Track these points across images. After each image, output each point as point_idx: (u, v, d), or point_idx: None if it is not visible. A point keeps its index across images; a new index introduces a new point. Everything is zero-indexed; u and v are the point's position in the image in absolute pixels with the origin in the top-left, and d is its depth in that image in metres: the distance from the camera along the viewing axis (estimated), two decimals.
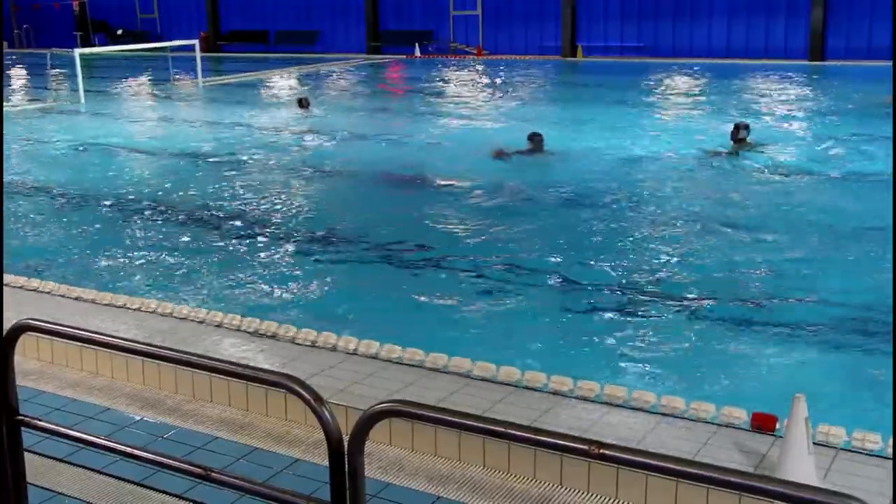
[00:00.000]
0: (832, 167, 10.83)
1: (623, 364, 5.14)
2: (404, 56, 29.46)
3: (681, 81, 21.19)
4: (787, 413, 3.19)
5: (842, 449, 3.41)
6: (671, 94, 18.87)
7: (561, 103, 18.48)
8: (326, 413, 2.30)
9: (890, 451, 3.39)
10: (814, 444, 3.17)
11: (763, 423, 3.50)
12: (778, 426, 3.42)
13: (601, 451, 2.02)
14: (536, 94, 19.88)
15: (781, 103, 17.17)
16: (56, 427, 2.91)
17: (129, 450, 2.76)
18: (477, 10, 29.63)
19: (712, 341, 5.48)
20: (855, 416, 4.03)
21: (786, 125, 14.40)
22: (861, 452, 3.40)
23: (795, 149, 12.14)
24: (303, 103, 16.06)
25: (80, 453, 3.70)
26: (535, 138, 11.33)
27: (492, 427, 2.23)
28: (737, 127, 11.47)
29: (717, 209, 8.80)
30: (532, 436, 2.21)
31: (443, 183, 10.20)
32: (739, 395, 4.32)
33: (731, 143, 11.35)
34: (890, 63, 22.07)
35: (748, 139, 11.44)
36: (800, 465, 3.01)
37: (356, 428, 2.27)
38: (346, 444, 2.28)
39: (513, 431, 2.22)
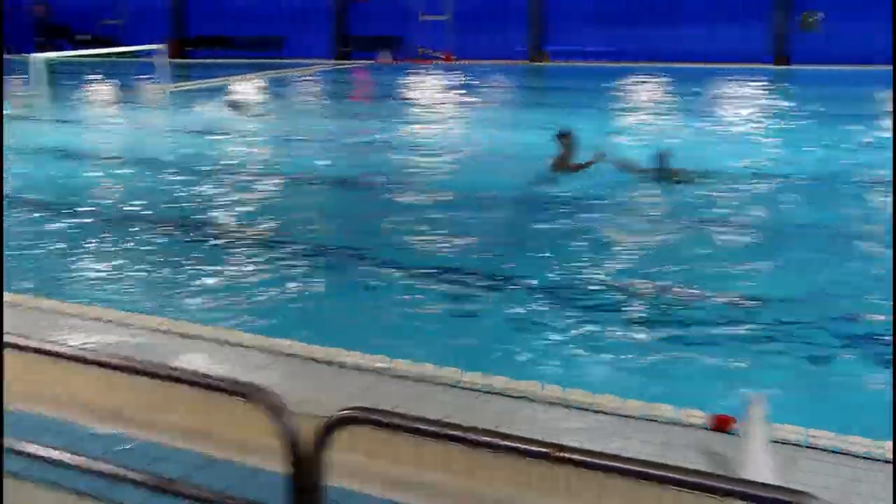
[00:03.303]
0: (787, 170, 11.02)
1: (583, 367, 5.16)
2: (372, 61, 29.50)
3: (647, 86, 21.42)
4: (745, 413, 3.23)
5: (799, 447, 3.45)
6: (635, 99, 19.08)
7: (522, 108, 18.67)
8: (287, 421, 2.29)
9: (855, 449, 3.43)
10: (771, 442, 3.20)
11: (721, 424, 3.53)
12: (735, 426, 3.45)
13: (562, 454, 2.03)
14: (500, 99, 20.05)
15: (742, 107, 17.42)
16: (8, 442, 2.85)
17: (86, 462, 2.72)
18: (446, 16, 29.74)
19: (669, 343, 5.52)
20: (811, 416, 4.09)
21: (743, 128, 14.62)
22: (818, 450, 3.44)
23: (746, 149, 12.32)
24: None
25: (35, 467, 3.64)
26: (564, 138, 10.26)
27: (452, 432, 2.23)
28: (660, 156, 10.26)
29: (675, 207, 8.93)
30: (493, 440, 2.21)
31: (405, 188, 10.22)
32: (697, 397, 4.35)
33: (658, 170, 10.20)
34: (852, 67, 22.53)
35: (674, 166, 10.22)
36: (757, 463, 3.05)
37: (317, 436, 2.26)
38: (307, 452, 2.27)
39: (473, 436, 2.22)
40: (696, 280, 6.67)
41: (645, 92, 20.58)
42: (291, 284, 6.64)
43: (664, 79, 22.27)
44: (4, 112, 17.76)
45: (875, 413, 4.41)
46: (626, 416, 3.80)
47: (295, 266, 7.20)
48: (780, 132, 14.52)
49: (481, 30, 28.98)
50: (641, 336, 5.59)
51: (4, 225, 8.66)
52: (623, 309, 6.10)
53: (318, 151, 13.01)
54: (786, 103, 18.26)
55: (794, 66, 24.30)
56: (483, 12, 28.99)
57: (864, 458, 3.40)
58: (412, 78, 24.42)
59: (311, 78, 25.23)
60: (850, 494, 3.14)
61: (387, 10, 30.42)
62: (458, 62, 28.28)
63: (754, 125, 15.12)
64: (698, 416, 3.70)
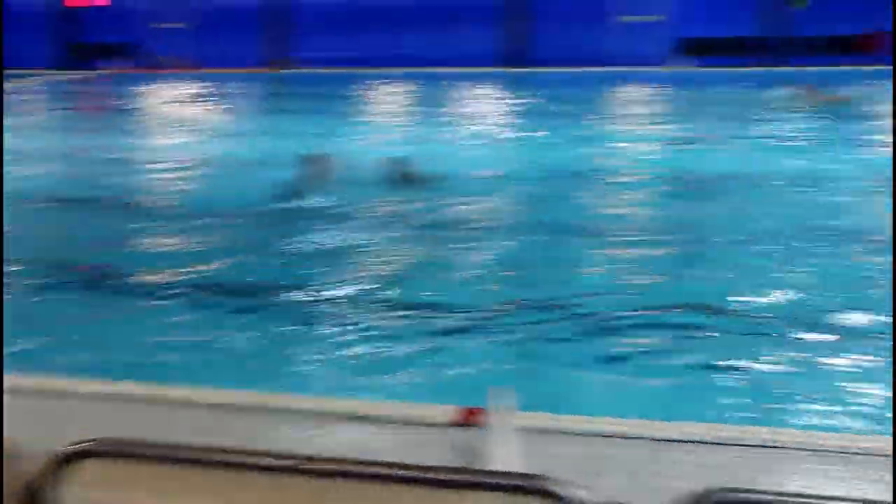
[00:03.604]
0: (530, 170, 11.67)
1: (339, 376, 5.19)
2: (104, 70, 28.03)
3: (389, 92, 21.84)
4: (491, 405, 3.36)
5: (543, 432, 3.63)
6: (376, 105, 19.43)
7: (261, 116, 18.55)
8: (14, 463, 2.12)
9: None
10: (517, 430, 3.34)
11: (468, 417, 3.65)
12: (484, 418, 3.57)
13: (310, 465, 2.01)
14: (238, 108, 19.78)
15: (481, 109, 18.20)
16: None
17: None
18: (183, 23, 28.80)
19: (410, 339, 5.67)
20: (559, 401, 4.36)
21: (480, 130, 15.30)
22: (564, 434, 3.65)
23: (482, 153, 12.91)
24: None
25: None
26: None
27: (196, 456, 2.16)
28: (397, 161, 10.54)
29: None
30: (238, 458, 2.16)
31: (136, 204, 9.86)
32: (443, 392, 4.49)
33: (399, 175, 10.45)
34: (586, 68, 24.07)
35: (413, 171, 10.52)
36: (503, 452, 3.17)
37: (41, 474, 2.11)
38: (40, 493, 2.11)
39: (220, 457, 2.16)
40: (438, 282, 6.90)
41: (386, 97, 21.04)
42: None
43: (406, 84, 22.85)
44: None
45: (615, 394, 4.78)
46: (382, 421, 3.83)
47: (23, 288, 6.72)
48: (516, 133, 15.31)
49: (222, 37, 28.35)
50: (387, 340, 5.71)
51: None
52: (374, 314, 6.20)
53: (38, 168, 12.18)
54: (522, 105, 19.28)
55: (529, 69, 25.60)
56: (225, 19, 28.38)
57: (607, 436, 3.62)
58: (146, 88, 23.53)
59: (29, 90, 23.62)
60: (587, 472, 3.34)
61: (120, 16, 29.05)
62: (198, 70, 27.52)
63: (492, 127, 15.84)
64: (447, 412, 3.80)
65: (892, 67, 18.44)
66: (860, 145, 13.45)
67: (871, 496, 3.10)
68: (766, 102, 18.21)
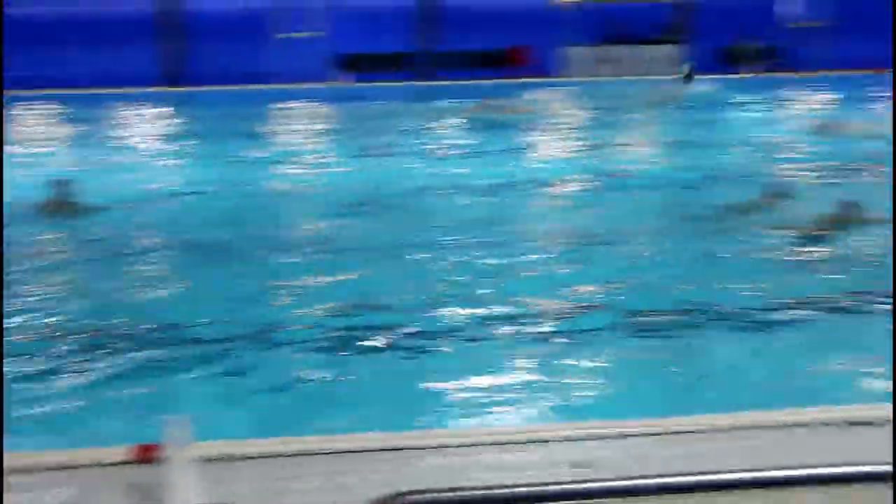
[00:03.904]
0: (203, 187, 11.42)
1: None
2: None
3: (36, 115, 20.28)
4: (167, 438, 3.23)
5: (223, 460, 3.57)
6: (25, 130, 17.98)
7: None
8: None
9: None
10: (196, 461, 3.24)
11: (143, 454, 3.49)
12: (160, 452, 3.43)
13: None
14: None
15: (141, 131, 17.47)
16: None
17: None
18: None
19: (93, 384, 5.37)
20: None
21: (142, 151, 14.72)
22: (245, 459, 3.60)
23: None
24: None
25: None
26: None
27: None
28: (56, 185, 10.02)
29: None
30: None
31: None
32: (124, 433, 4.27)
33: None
34: (246, 86, 23.83)
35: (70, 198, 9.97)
36: (183, 486, 3.07)
37: None
38: None
39: None
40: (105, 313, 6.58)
41: (35, 121, 19.52)
42: None
43: (59, 107, 21.30)
44: None
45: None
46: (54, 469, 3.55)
47: None
48: (180, 153, 14.87)
49: None
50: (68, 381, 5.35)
51: None
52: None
53: None
54: (182, 125, 18.75)
55: (185, 88, 24.93)
56: None
57: (288, 455, 3.62)
58: None
59: None
60: (270, 494, 3.33)
61: None
62: None
63: (151, 148, 15.28)
64: (119, 452, 3.61)
65: (556, 79, 20.09)
66: (526, 154, 14.67)
67: (544, 479, 3.34)
68: (436, 115, 19.08)
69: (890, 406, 3.94)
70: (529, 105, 19.94)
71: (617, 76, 25.61)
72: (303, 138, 16.56)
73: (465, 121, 17.98)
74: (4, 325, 6.22)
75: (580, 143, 15.68)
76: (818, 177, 12.01)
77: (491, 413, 5.19)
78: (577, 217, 10.27)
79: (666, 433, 3.87)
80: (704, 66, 26.34)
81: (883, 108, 18.93)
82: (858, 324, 6.85)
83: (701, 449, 3.74)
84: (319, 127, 18.82)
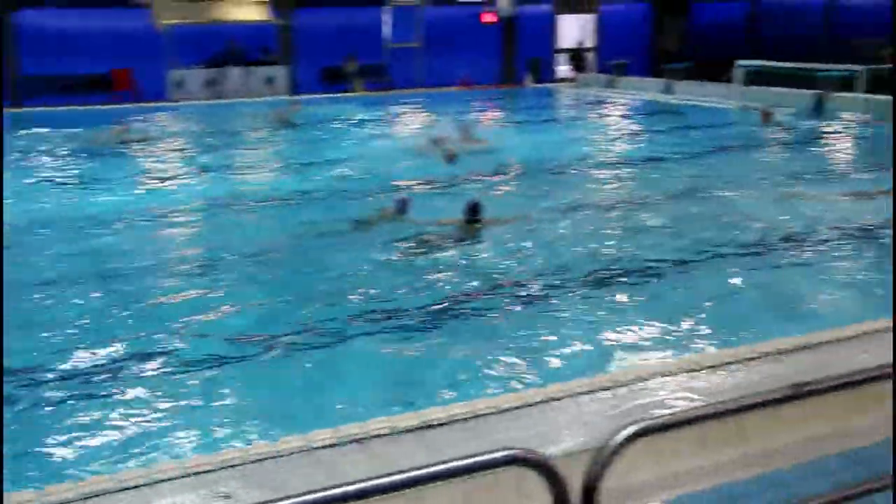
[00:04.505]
0: None
1: None
2: None
3: None
4: None
5: None
6: None
7: None
8: None
9: None
10: None
11: None
12: None
13: None
14: None
15: None
16: None
17: None
18: None
19: None
20: None
21: None
22: None
23: None
24: None
25: None
26: None
27: None
28: None
29: None
30: None
31: None
32: None
33: None
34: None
35: None
36: None
37: None
38: None
39: None
40: None
41: None
42: None
43: None
44: None
45: None
46: None
47: None
48: None
49: None
50: None
51: None
52: None
53: None
54: None
55: None
56: None
57: None
58: None
59: None
60: None
61: None
62: None
63: None
64: None
65: (164, 103, 19.28)
66: (142, 181, 14.02)
67: None
68: (35, 144, 17.58)
69: None
70: (142, 131, 19.18)
71: (225, 98, 25.46)
72: None
73: (66, 149, 16.85)
74: None
75: (195, 167, 15.38)
76: (433, 187, 12.86)
77: None
78: (203, 241, 10.07)
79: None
80: (311, 86, 27.07)
81: (477, 121, 20.77)
82: (477, 326, 7.43)
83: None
84: None
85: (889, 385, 4.02)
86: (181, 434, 5.35)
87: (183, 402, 5.83)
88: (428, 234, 9.74)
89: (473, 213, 9.93)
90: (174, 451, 5.10)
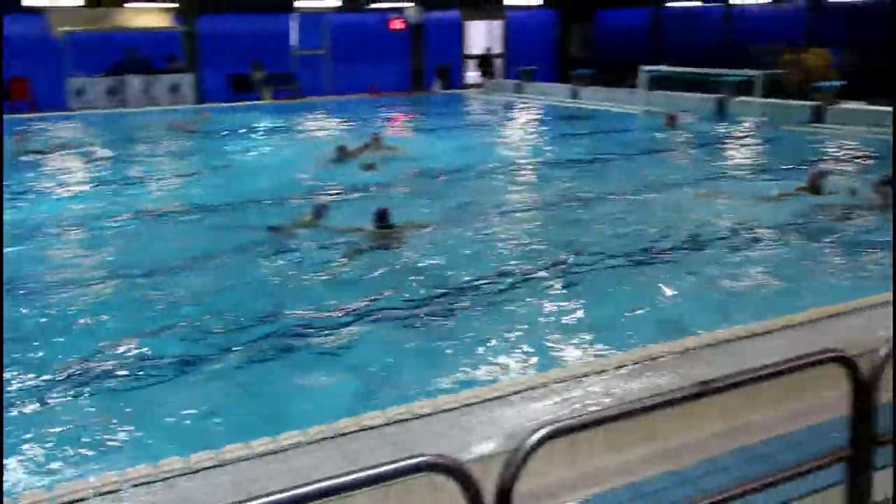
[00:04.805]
0: None
1: None
2: None
3: None
4: None
5: None
6: None
7: None
8: None
9: None
10: None
11: None
12: None
13: None
14: None
15: None
16: None
17: None
18: None
19: None
20: None
21: None
22: None
23: None
24: None
25: None
26: None
27: None
28: None
29: None
30: None
31: None
32: None
33: None
34: None
35: None
36: None
37: None
38: None
39: None
40: None
41: None
42: None
43: None
44: None
45: None
46: None
47: None
48: None
49: None
50: None
51: None
52: None
53: None
54: None
55: None
56: None
57: None
58: None
59: None
60: None
61: None
62: None
63: None
64: None
65: (66, 112, 18.75)
66: (50, 193, 13.58)
67: None
68: None
69: None
70: (40, 141, 18.58)
71: (128, 107, 24.86)
72: None
73: None
74: None
75: (106, 177, 14.99)
76: (346, 195, 12.79)
77: None
78: (107, 255, 9.80)
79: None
80: (218, 94, 26.67)
81: (388, 128, 20.76)
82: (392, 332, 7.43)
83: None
84: None
85: (787, 380, 4.15)
86: (79, 452, 5.20)
87: (81, 422, 5.66)
88: (342, 241, 9.72)
89: (382, 219, 9.93)
90: (71, 472, 4.94)
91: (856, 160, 15.31)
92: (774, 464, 4.20)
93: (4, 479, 4.78)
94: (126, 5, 26.32)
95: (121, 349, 6.88)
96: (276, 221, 10.70)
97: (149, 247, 10.13)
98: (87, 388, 6.18)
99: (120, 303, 8.10)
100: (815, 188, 11.66)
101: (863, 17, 25.69)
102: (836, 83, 20.51)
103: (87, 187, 14.30)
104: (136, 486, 3.81)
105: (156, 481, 3.84)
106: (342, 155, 15.25)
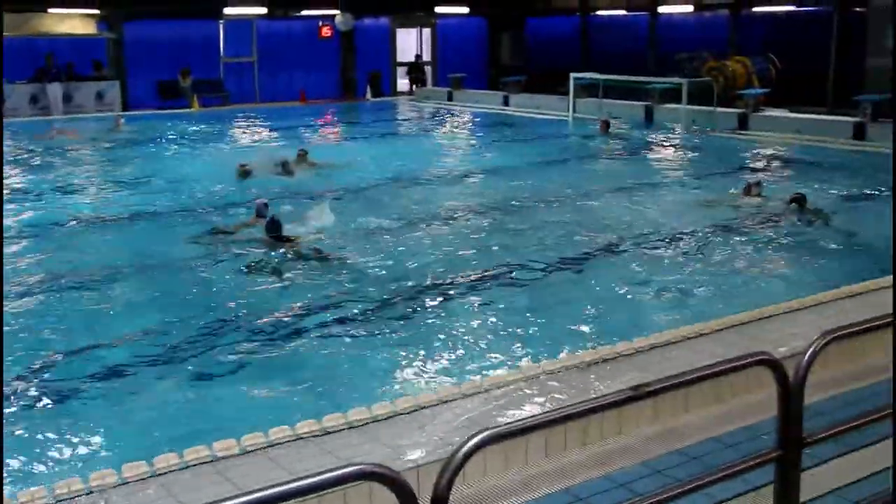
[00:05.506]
0: None
1: None
2: None
3: None
4: None
5: None
6: None
7: None
8: None
9: None
10: None
11: None
12: None
13: None
14: None
15: None
16: None
17: None
18: None
19: None
20: None
21: None
22: None
23: None
24: None
25: None
26: None
27: None
28: None
29: None
30: None
31: None
32: None
33: None
34: None
35: None
36: None
37: None
38: None
39: None
40: None
41: None
42: None
43: None
44: None
45: None
46: None
47: None
48: None
49: None
50: None
51: None
52: None
53: None
54: None
55: None
56: None
57: None
58: None
59: None
60: None
61: None
62: None
63: None
64: None
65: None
66: None
67: None
68: None
69: None
70: None
71: (52, 114, 24.19)
72: None
73: None
74: None
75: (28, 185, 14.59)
76: (288, 197, 12.69)
77: None
78: (39, 267, 9.52)
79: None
80: (145, 100, 26.18)
81: (316, 136, 20.61)
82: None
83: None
84: None
85: (719, 383, 4.23)
86: (8, 466, 5.04)
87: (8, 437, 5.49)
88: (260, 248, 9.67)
89: (273, 229, 9.77)
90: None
91: (778, 166, 15.73)
92: (708, 465, 4.26)
93: None
94: (50, 10, 25.62)
95: (46, 363, 6.69)
96: (220, 224, 10.62)
97: (76, 255, 9.89)
98: (15, 401, 5.99)
99: (44, 315, 7.88)
100: (749, 194, 11.93)
101: (784, 26, 26.38)
102: (760, 91, 21.01)
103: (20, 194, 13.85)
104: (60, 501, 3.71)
105: (88, 493, 3.74)
106: (271, 165, 14.97)
